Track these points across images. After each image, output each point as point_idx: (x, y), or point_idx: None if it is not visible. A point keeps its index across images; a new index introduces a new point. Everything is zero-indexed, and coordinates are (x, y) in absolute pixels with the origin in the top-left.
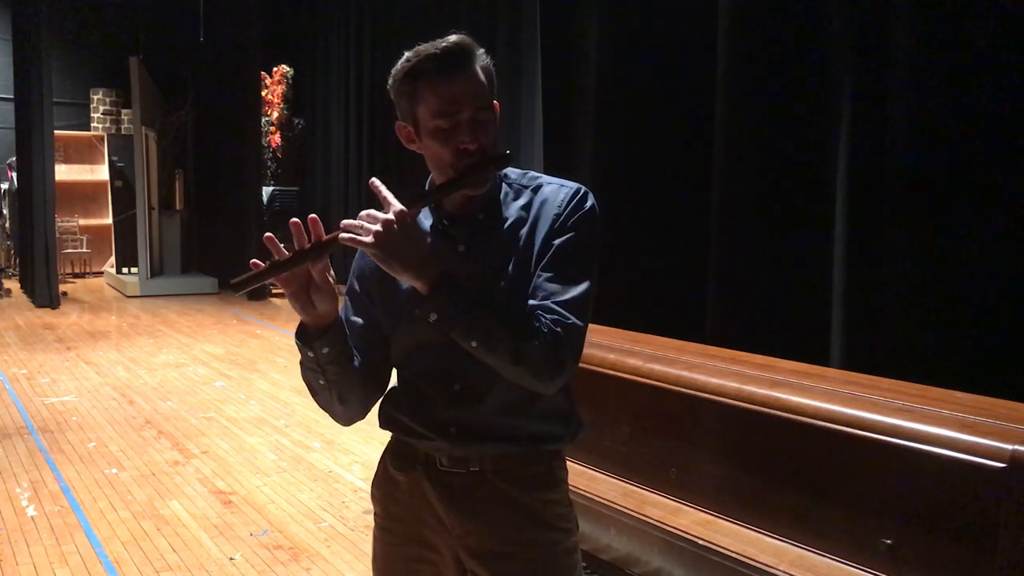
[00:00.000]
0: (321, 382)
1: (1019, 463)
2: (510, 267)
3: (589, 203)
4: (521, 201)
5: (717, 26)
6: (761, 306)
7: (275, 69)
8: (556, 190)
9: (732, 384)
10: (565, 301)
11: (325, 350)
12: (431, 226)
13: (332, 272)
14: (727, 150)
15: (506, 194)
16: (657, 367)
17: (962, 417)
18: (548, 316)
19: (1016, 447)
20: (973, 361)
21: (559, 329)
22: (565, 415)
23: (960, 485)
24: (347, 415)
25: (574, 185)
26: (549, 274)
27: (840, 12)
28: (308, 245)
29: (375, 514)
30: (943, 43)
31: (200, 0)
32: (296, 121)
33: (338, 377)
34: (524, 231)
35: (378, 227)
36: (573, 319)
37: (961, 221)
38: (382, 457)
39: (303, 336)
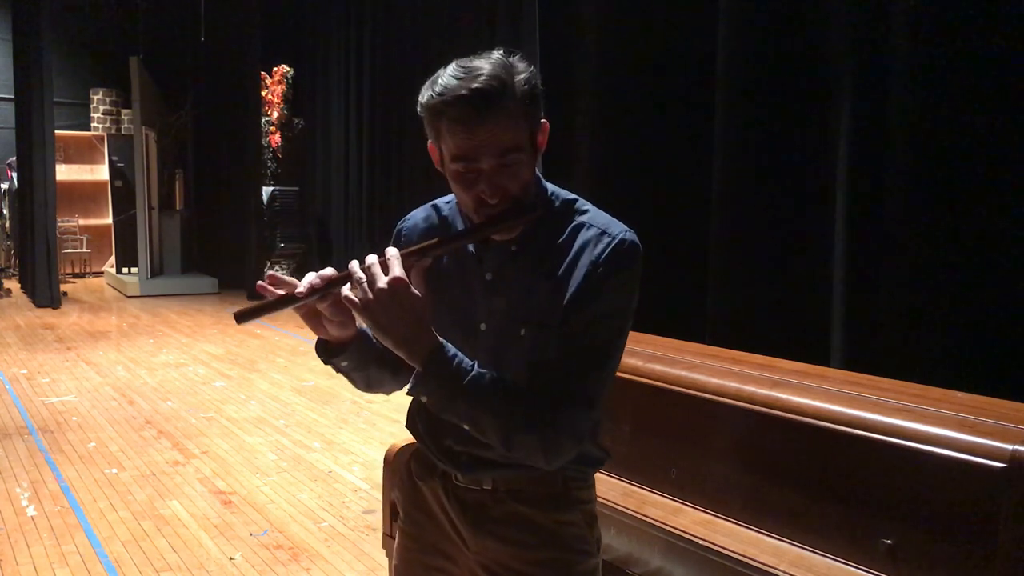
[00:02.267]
0: (347, 377)
1: (1019, 463)
2: (533, 313)
3: (628, 259)
4: (559, 239)
5: (717, 26)
6: (761, 306)
7: (275, 69)
8: (597, 237)
9: (732, 384)
10: (576, 385)
11: (344, 364)
12: (469, 247)
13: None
14: (726, 150)
15: (546, 225)
16: (657, 367)
17: (962, 417)
18: (552, 399)
19: (1016, 447)
20: (973, 361)
21: (560, 417)
22: (588, 457)
23: (960, 485)
24: (383, 392)
25: (618, 232)
26: (569, 347)
27: (840, 12)
28: (308, 287)
29: (399, 518)
30: (943, 43)
31: (200, 0)
32: (296, 121)
33: (362, 378)
34: (556, 277)
35: (371, 295)
36: (579, 407)
37: (961, 221)
38: (408, 461)
39: (322, 351)
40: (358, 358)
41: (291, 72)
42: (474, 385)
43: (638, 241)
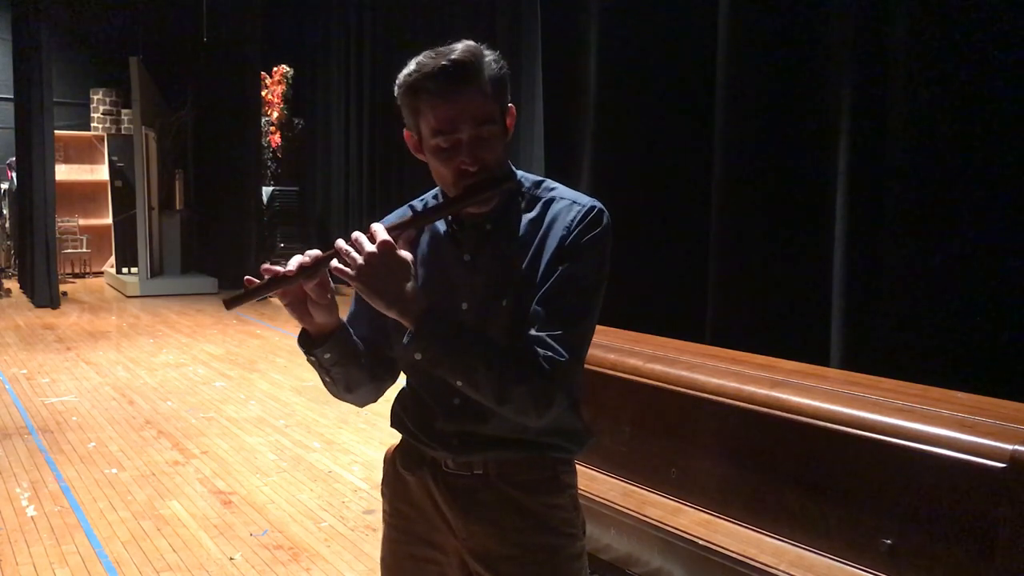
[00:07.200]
0: (326, 379)
1: (1019, 463)
2: (513, 284)
3: (601, 224)
4: (532, 214)
5: (717, 28)
6: (761, 306)
7: (275, 69)
8: (568, 207)
9: (732, 384)
10: (562, 336)
11: (327, 355)
12: (444, 230)
13: (332, 287)
14: (727, 150)
15: (518, 204)
16: (657, 367)
17: (962, 417)
18: (541, 352)
19: (1016, 447)
20: (973, 361)
21: (550, 368)
22: (571, 431)
23: (960, 485)
24: (359, 401)
25: (587, 203)
26: (549, 305)
27: (839, 13)
28: (297, 265)
29: (384, 511)
30: (943, 43)
31: (201, 0)
32: (296, 121)
33: (342, 375)
34: (531, 248)
35: (361, 260)
36: (567, 356)
37: (961, 221)
38: (392, 455)
39: (305, 342)
40: (341, 350)
41: (291, 72)
42: (469, 338)
43: (606, 211)
